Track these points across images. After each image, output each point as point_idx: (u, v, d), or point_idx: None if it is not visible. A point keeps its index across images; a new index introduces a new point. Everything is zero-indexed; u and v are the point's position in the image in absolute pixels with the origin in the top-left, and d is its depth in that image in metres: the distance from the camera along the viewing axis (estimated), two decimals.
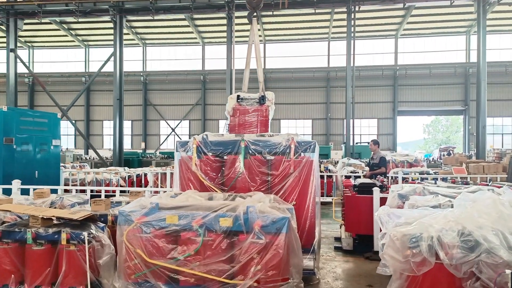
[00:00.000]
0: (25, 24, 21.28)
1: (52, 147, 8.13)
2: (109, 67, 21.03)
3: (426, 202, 4.16)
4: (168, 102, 33.77)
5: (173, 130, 33.41)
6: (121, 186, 11.71)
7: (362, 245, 5.66)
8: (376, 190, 5.47)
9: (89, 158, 23.20)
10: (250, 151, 4.52)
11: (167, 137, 33.95)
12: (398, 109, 32.28)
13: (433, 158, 28.55)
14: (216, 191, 4.46)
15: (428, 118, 53.30)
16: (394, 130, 32.38)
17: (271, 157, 4.51)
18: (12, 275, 3.60)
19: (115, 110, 19.84)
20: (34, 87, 34.98)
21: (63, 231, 3.54)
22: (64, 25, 30.81)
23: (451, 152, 30.22)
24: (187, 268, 3.26)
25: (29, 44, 35.00)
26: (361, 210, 5.61)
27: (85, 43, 34.66)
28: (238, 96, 7.88)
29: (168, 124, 33.63)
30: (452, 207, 3.82)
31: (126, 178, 11.66)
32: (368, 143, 9.47)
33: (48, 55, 35.96)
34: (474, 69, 31.14)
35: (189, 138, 28.93)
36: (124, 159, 20.09)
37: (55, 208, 5.30)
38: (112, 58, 19.94)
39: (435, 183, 6.06)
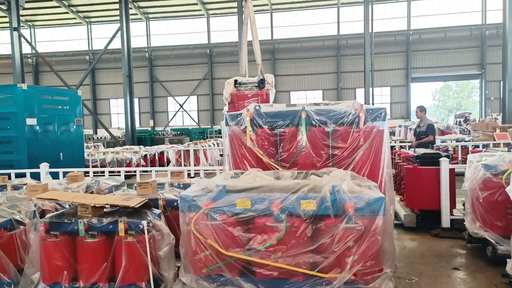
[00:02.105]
0: (26, 2, 20.41)
1: (74, 127, 7.65)
2: (113, 44, 20.25)
3: None
4: (175, 78, 33.05)
5: (181, 106, 32.87)
6: (142, 166, 11.31)
7: (427, 222, 5.21)
8: (444, 161, 4.97)
9: (100, 138, 22.79)
10: (314, 122, 4.00)
11: (175, 113, 33.44)
12: (411, 76, 31.38)
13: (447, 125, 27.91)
14: (277, 169, 3.97)
15: (436, 84, 52.16)
16: (407, 98, 31.59)
17: (337, 127, 3.98)
18: (65, 272, 3.18)
19: (125, 87, 19.22)
20: (38, 67, 34.28)
21: (121, 221, 3.08)
22: (64, 2, 29.79)
23: (467, 118, 29.51)
24: (270, 261, 2.80)
25: (30, 23, 34.07)
26: (425, 184, 5.12)
27: (87, 19, 33.67)
28: (235, 81, 7.26)
29: (175, 100, 33.06)
30: None
31: (148, 157, 11.22)
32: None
33: (50, 34, 35.07)
34: (491, 31, 30.14)
35: (198, 114, 28.54)
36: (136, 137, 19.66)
37: (91, 192, 4.89)
38: (118, 34, 19.16)
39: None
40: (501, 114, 28.16)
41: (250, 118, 4.15)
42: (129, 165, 10.45)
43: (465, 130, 19.31)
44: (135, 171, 5.89)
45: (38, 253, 3.23)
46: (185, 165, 9.85)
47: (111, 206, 3.28)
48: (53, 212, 4.00)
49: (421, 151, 5.62)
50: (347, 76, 31.24)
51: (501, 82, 30.86)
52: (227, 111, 7.93)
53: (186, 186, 4.63)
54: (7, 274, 3.35)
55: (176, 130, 24.59)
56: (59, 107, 7.32)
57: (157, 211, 3.43)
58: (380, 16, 30.83)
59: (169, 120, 33.58)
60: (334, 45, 31.24)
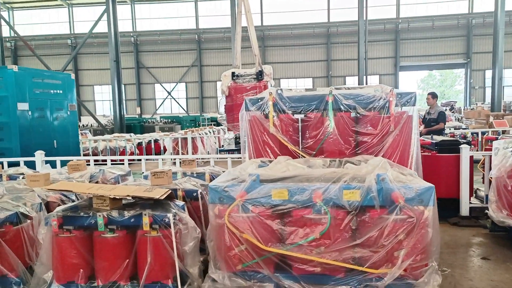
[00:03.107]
0: None
1: (68, 113, 7.21)
2: (97, 28, 19.49)
3: None
4: (162, 64, 32.29)
5: (169, 93, 32.22)
6: (133, 154, 10.92)
7: (444, 210, 5.06)
8: (465, 148, 4.81)
9: (86, 125, 22.11)
10: (342, 107, 3.76)
11: (163, 101, 32.78)
12: (400, 65, 31.44)
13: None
14: (303, 157, 3.73)
15: (422, 73, 52.51)
16: (396, 87, 31.60)
17: (366, 113, 3.76)
18: (81, 270, 2.89)
19: (113, 72, 18.57)
20: (17, 51, 32.96)
21: (145, 214, 2.80)
22: None
23: (453, 106, 29.81)
24: (315, 256, 2.58)
25: (8, 5, 32.61)
26: (444, 171, 4.98)
27: (68, 1, 32.43)
28: (233, 73, 6.96)
29: (163, 87, 32.36)
30: None
31: (143, 145, 10.82)
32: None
33: (29, 16, 33.65)
34: (477, 20, 30.35)
35: (186, 101, 28.02)
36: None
37: (96, 182, 4.57)
38: (104, 17, 18.42)
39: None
40: (484, 102, 28.60)
41: (273, 103, 3.89)
42: (122, 153, 10.05)
43: (457, 118, 19.46)
44: (139, 160, 5.56)
45: (50, 250, 2.93)
46: (182, 153, 9.53)
47: (133, 198, 2.99)
48: (59, 204, 3.70)
49: (438, 138, 5.47)
50: (337, 64, 31.08)
51: (485, 71, 31.52)
52: (224, 105, 7.61)
53: (199, 175, 4.37)
54: (15, 273, 3.04)
55: (166, 118, 24.04)
56: (52, 91, 6.86)
57: (180, 203, 3.16)
58: (370, 3, 30.59)
59: (157, 107, 32.90)
60: (324, 33, 30.96)
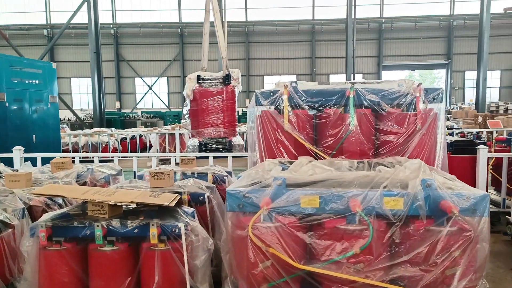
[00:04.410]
0: None
1: (49, 105, 6.61)
2: (76, 19, 18.59)
3: None
4: (143, 58, 31.38)
5: (150, 88, 31.38)
6: (117, 149, 10.35)
7: None
8: (483, 149, 4.56)
9: (63, 119, 21.16)
10: (366, 102, 3.41)
11: (144, 95, 31.89)
12: (383, 64, 31.59)
13: None
14: (323, 157, 3.36)
15: (404, 73, 53.16)
16: None
17: (392, 110, 3.42)
18: None
19: (93, 65, 17.83)
20: None
21: (153, 224, 2.37)
22: None
23: None
24: (356, 275, 2.21)
25: None
26: (458, 173, 4.68)
27: None
28: (198, 76, 6.56)
29: (144, 81, 31.46)
30: None
31: (128, 140, 10.25)
32: None
33: (4, 5, 32.05)
34: (458, 22, 30.78)
35: (168, 96, 27.32)
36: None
37: (84, 183, 4.09)
38: (84, 7, 17.57)
39: None
40: (464, 103, 29.06)
41: (287, 97, 3.51)
42: (105, 149, 9.47)
43: (446, 118, 19.62)
44: (132, 157, 5.05)
45: (36, 265, 2.47)
46: (170, 150, 9.04)
47: (137, 204, 2.56)
48: (43, 209, 3.22)
49: (452, 138, 5.23)
50: (321, 62, 30.95)
51: (465, 73, 32.06)
52: (189, 110, 7.19)
53: (201, 175, 3.95)
54: None
55: (148, 113, 23.26)
56: (31, 81, 6.25)
57: (189, 209, 2.75)
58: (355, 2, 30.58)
59: (137, 102, 31.98)
60: (309, 30, 30.76)
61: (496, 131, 8.92)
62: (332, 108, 3.49)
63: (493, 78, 30.73)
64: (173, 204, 2.47)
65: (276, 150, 3.52)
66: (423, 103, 3.42)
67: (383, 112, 3.41)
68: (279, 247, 2.28)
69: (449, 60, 31.62)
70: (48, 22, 31.57)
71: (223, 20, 19.00)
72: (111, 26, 30.70)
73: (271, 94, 3.58)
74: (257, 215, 2.34)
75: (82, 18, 20.50)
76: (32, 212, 3.15)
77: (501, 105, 20.89)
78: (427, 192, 2.33)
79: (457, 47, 31.37)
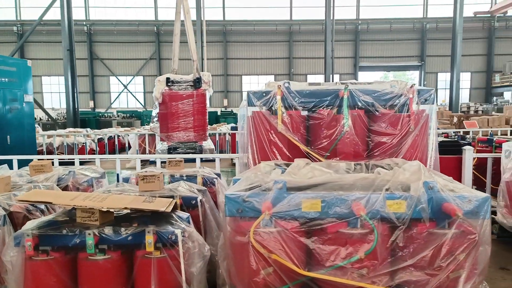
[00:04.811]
0: None
1: (24, 104, 6.30)
2: (47, 15, 17.94)
3: None
4: (118, 56, 30.68)
5: (125, 87, 30.72)
6: (93, 150, 10.04)
7: None
8: (468, 150, 4.63)
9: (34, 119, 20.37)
10: (360, 103, 3.38)
11: (119, 94, 31.18)
12: (359, 65, 32.08)
13: None
14: (318, 160, 3.31)
15: (379, 74, 54.21)
16: None
17: (386, 111, 3.41)
18: None
19: (66, 62, 17.22)
20: None
21: (148, 231, 2.25)
22: None
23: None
24: (365, 282, 2.16)
25: None
26: (445, 173, 4.75)
27: None
28: (167, 79, 6.42)
29: (119, 80, 30.77)
30: None
31: (106, 141, 9.93)
32: None
33: None
34: (431, 25, 31.64)
35: (144, 95, 26.83)
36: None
37: (66, 186, 3.90)
38: (56, 3, 16.96)
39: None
40: (437, 104, 29.88)
41: (281, 97, 3.44)
42: (81, 150, 9.15)
43: None
44: (96, 159, 4.83)
45: (21, 277, 2.30)
46: (150, 152, 8.81)
47: (131, 210, 2.43)
48: (25, 215, 3.03)
49: (438, 138, 5.28)
50: (299, 62, 31.12)
51: (437, 74, 32.99)
52: (158, 113, 6.98)
53: (190, 178, 3.83)
54: None
55: (124, 112, 22.71)
56: (5, 79, 5.93)
57: (184, 214, 2.64)
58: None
59: (112, 101, 31.25)
60: (286, 30, 30.88)
61: (473, 131, 9.16)
62: (325, 109, 3.46)
63: (464, 80, 31.74)
64: (169, 209, 2.35)
65: (269, 152, 3.45)
66: (416, 104, 3.43)
67: (377, 113, 3.40)
68: (282, 253, 2.21)
69: (423, 62, 32.44)
70: (18, 18, 30.40)
71: (202, 19, 18.80)
72: (84, 23, 29.88)
73: (264, 94, 3.50)
74: (259, 220, 2.25)
75: (53, 14, 19.81)
76: (13, 219, 2.95)
77: (471, 106, 21.56)
78: (429, 194, 2.31)
79: (430, 49, 32.21)
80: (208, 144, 7.66)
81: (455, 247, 2.19)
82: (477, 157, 5.37)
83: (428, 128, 3.55)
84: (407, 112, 3.41)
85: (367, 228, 2.23)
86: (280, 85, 3.44)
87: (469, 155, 4.60)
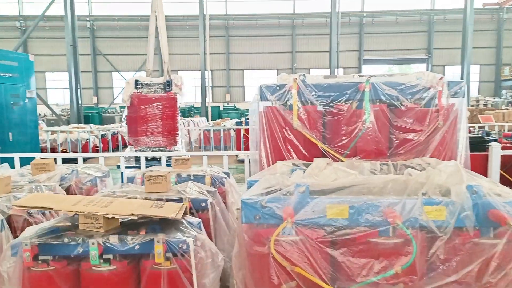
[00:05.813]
0: None
1: (26, 100, 6.08)
2: (50, 11, 17.71)
3: None
4: (121, 52, 30.45)
5: None
6: (97, 146, 9.84)
7: None
8: (496, 147, 4.36)
9: (39, 115, 20.23)
10: (384, 97, 3.13)
11: (122, 90, 30.96)
12: (364, 58, 31.68)
13: None
14: (338, 159, 3.07)
15: (383, 68, 53.71)
16: None
17: (411, 105, 3.15)
18: None
19: (69, 58, 17.02)
20: None
21: (158, 241, 2.02)
22: None
23: None
24: None
25: None
26: None
27: None
28: (136, 81, 6.19)
29: (122, 76, 30.53)
30: None
31: (109, 137, 9.73)
32: None
33: None
34: (438, 16, 31.14)
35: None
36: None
37: (69, 186, 3.68)
38: None
39: None
40: None
41: (297, 91, 3.19)
42: (85, 146, 8.95)
43: None
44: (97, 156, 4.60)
45: None
46: None
47: (139, 216, 2.19)
48: (25, 218, 2.82)
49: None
50: (302, 56, 30.75)
51: (444, 67, 32.50)
52: (126, 116, 6.70)
53: (198, 177, 3.60)
54: None
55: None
56: (7, 74, 5.70)
57: (195, 220, 2.41)
58: None
59: (115, 97, 31.06)
60: (289, 24, 30.48)
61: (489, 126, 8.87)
62: (344, 103, 3.21)
63: (473, 73, 31.29)
64: (180, 216, 2.13)
65: (284, 150, 3.22)
66: (446, 97, 3.17)
67: (402, 107, 3.14)
68: (306, 265, 1.97)
69: (430, 55, 31.97)
70: (21, 14, 30.19)
71: (205, 13, 18.48)
72: (87, 19, 29.64)
73: (278, 88, 3.26)
74: (280, 228, 2.02)
75: (56, 10, 19.56)
76: (12, 222, 2.75)
77: (481, 100, 21.18)
78: (474, 200, 2.05)
79: (437, 41, 31.72)
80: (178, 149, 7.26)
81: (507, 260, 1.94)
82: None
83: (462, 124, 3.29)
84: (435, 106, 3.16)
85: (403, 238, 1.99)
86: (296, 78, 3.19)
87: (496, 152, 4.33)
